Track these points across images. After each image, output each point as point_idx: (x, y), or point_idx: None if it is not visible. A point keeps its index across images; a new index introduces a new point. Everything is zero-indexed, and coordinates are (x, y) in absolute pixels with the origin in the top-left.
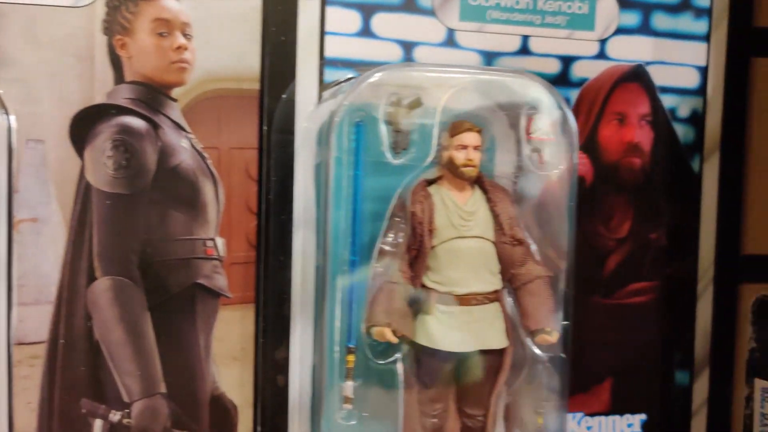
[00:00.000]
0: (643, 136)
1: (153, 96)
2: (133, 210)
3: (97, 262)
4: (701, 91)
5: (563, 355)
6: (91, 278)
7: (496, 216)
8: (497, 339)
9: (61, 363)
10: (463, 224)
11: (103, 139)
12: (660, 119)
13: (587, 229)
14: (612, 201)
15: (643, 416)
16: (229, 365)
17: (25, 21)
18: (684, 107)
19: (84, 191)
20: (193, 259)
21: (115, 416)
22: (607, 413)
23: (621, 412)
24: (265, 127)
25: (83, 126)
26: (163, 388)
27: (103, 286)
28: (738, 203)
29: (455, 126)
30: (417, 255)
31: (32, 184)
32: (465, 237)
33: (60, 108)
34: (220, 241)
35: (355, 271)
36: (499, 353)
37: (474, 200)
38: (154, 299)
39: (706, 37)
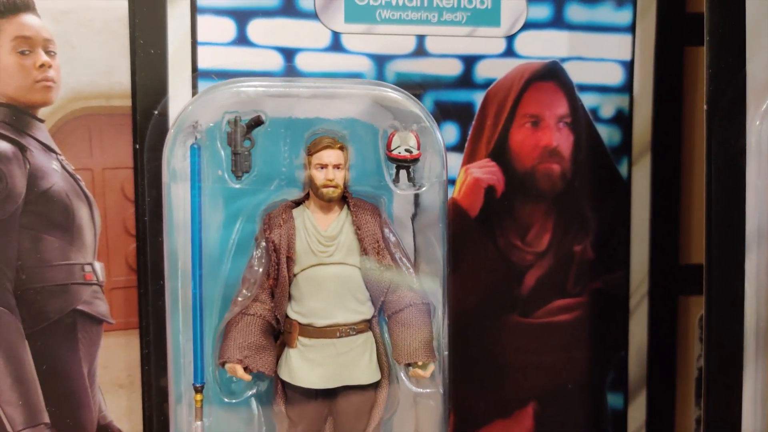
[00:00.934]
0: (562, 140)
1: (18, 117)
2: (4, 236)
3: None
4: (627, 88)
5: (441, 391)
6: None
7: (360, 240)
8: (366, 374)
9: None
10: (322, 250)
11: None
12: (580, 120)
13: (501, 242)
14: (528, 211)
15: None
16: (116, 393)
17: None
18: (608, 106)
19: None
20: (71, 285)
21: None
22: None
23: None
24: (137, 146)
25: None
26: (46, 418)
27: None
28: (674, 209)
29: (314, 143)
30: (276, 284)
31: None
32: (326, 264)
33: None
34: (98, 266)
35: (199, 303)
36: (372, 388)
37: (337, 223)
38: (31, 326)
39: (631, 28)
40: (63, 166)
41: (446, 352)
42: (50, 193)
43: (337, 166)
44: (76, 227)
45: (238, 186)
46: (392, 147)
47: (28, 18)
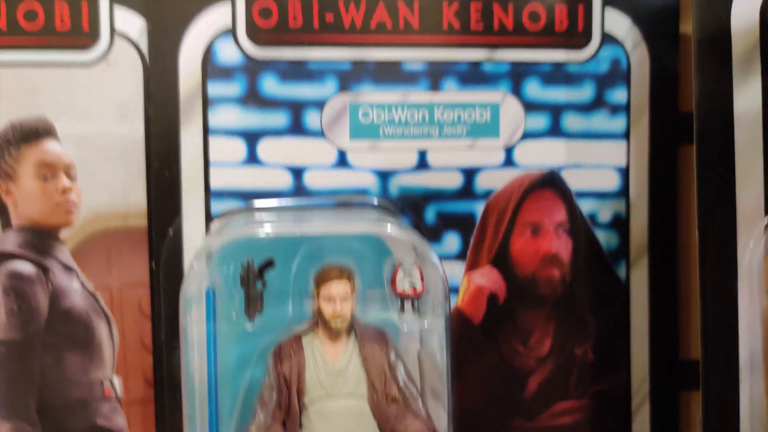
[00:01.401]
0: (561, 246)
1: (41, 240)
2: (27, 355)
3: None
4: (623, 193)
5: None
6: None
7: (367, 372)
8: None
9: None
10: (332, 383)
11: None
12: (579, 226)
13: (504, 348)
14: (530, 317)
15: None
16: None
17: None
18: (605, 211)
19: None
20: (91, 401)
21: None
22: None
23: None
24: (153, 264)
25: None
26: None
27: (2, 430)
28: (672, 307)
29: (322, 275)
30: (287, 416)
31: None
32: (335, 396)
33: None
34: (117, 381)
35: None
36: None
37: (345, 355)
38: None
39: (625, 135)
40: (83, 285)
41: None
42: (71, 312)
43: (344, 298)
44: (95, 344)
45: (250, 329)
46: (397, 282)
47: (50, 144)
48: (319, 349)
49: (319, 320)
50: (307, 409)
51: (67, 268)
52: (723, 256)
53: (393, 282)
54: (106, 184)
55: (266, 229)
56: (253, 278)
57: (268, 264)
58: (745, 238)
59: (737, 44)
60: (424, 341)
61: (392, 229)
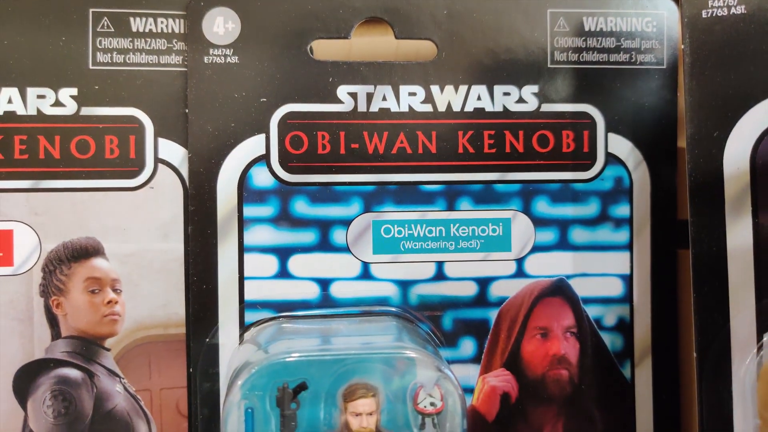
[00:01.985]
0: (569, 348)
1: (87, 347)
2: None
3: None
4: (627, 298)
5: None
6: None
7: None
8: None
9: None
10: None
11: (43, 390)
12: (586, 330)
13: None
14: (540, 414)
15: None
16: None
17: None
18: (610, 316)
19: None
20: None
21: None
22: None
23: None
24: (191, 369)
25: (25, 380)
26: None
27: None
28: (675, 407)
29: (349, 392)
30: None
31: None
32: None
33: (3, 366)
34: None
35: None
36: None
37: None
38: None
39: (629, 246)
40: (125, 388)
41: None
42: (113, 413)
43: (370, 414)
44: None
45: None
46: (419, 401)
47: (98, 261)
48: None
49: None
50: None
51: (111, 373)
52: (719, 376)
53: (415, 401)
54: (149, 296)
55: (297, 353)
56: (288, 400)
57: (302, 387)
58: (740, 359)
59: (729, 186)
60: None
61: (416, 352)
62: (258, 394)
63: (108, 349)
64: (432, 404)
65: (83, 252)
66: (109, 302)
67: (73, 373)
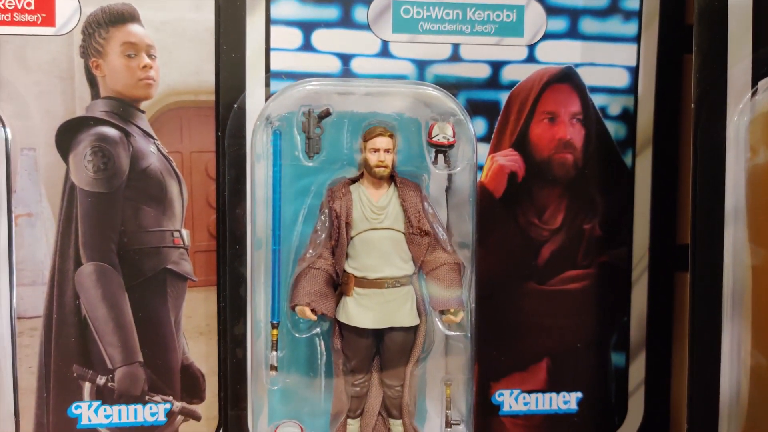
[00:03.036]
0: (575, 133)
1: (124, 109)
2: (110, 206)
3: (82, 250)
4: (632, 89)
5: (468, 335)
6: (78, 264)
7: (405, 210)
8: (408, 318)
9: (55, 335)
10: (375, 218)
11: (83, 147)
12: (591, 117)
13: (522, 220)
14: (545, 194)
15: (579, 394)
16: (196, 339)
17: (18, 48)
18: (615, 105)
19: (69, 190)
20: (162, 248)
21: (101, 380)
22: (543, 391)
23: (557, 390)
24: (219, 133)
25: (67, 136)
26: (140, 357)
27: (88, 270)
28: (672, 195)
29: (368, 131)
30: (336, 244)
31: (27, 185)
32: (377, 229)
33: (47, 121)
34: (185, 232)
35: (278, 258)
36: (412, 330)
37: (387, 197)
38: (131, 281)
39: (636, 39)
40: (159, 149)
41: (473, 305)
42: (148, 171)
43: (387, 150)
44: (167, 200)
45: (310, 164)
46: (432, 135)
47: (134, 27)
48: (364, 193)
49: (365, 170)
50: (353, 239)
51: (146, 134)
52: (714, 122)
53: (429, 134)
54: (181, 64)
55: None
56: (313, 124)
57: (326, 113)
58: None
59: None
60: (454, 188)
61: (434, 89)
62: (276, 122)
63: (143, 111)
64: (445, 138)
65: (120, 17)
66: (144, 67)
67: (112, 131)
